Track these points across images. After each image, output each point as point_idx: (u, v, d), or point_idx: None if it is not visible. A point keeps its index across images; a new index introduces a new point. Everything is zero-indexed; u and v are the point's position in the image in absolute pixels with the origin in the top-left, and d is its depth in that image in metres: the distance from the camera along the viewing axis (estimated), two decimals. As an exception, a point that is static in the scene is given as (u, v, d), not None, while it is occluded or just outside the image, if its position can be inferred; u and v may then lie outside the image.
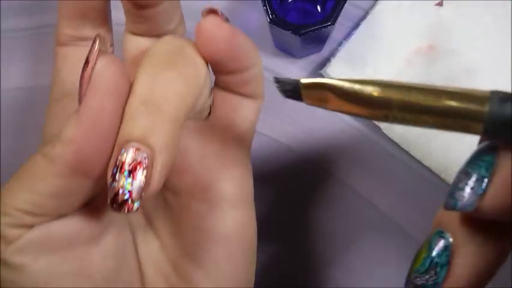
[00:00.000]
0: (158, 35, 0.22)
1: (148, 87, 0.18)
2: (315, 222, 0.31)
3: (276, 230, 0.26)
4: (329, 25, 0.27)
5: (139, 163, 0.17)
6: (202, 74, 0.19)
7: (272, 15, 0.28)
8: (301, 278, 0.31)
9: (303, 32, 0.27)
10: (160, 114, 0.17)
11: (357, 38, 0.32)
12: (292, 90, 0.17)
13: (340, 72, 0.31)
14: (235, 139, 0.22)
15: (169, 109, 0.17)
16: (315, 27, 0.27)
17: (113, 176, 0.17)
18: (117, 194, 0.17)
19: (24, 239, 0.18)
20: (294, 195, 0.31)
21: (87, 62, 0.17)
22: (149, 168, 0.17)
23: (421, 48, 0.31)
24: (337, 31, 0.32)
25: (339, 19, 0.28)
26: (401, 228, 0.30)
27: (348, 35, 0.32)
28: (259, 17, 0.25)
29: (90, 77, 0.17)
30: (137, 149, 0.17)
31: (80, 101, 0.17)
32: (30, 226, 0.18)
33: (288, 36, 0.28)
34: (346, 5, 0.28)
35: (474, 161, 0.15)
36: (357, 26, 0.32)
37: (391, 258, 0.30)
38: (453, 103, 0.14)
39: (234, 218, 0.22)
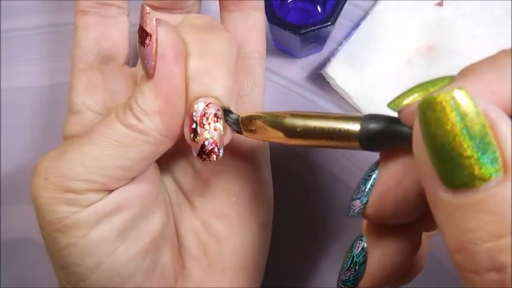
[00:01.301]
0: (176, 10, 0.24)
1: (200, 48, 0.20)
2: (319, 223, 0.31)
3: (278, 231, 0.26)
4: (329, 25, 0.27)
5: (214, 115, 0.19)
6: (232, 36, 0.22)
7: (272, 15, 0.28)
8: (304, 278, 0.31)
9: (303, 32, 0.27)
10: (217, 68, 0.20)
11: (357, 38, 0.32)
12: (236, 124, 0.19)
13: (340, 72, 0.31)
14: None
15: (223, 63, 0.20)
16: (315, 27, 0.27)
17: (193, 131, 0.19)
18: (203, 145, 0.19)
19: (104, 202, 0.19)
20: (298, 197, 0.31)
21: (145, 33, 0.18)
22: (223, 118, 0.19)
23: (421, 48, 0.31)
24: (337, 31, 0.32)
25: (339, 19, 0.28)
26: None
27: (348, 35, 0.32)
28: (259, 17, 0.25)
29: (156, 49, 0.18)
30: (209, 103, 0.19)
31: (149, 73, 0.19)
32: (112, 190, 0.20)
33: (288, 36, 0.28)
34: (346, 5, 0.28)
35: (365, 175, 0.17)
36: (357, 26, 0.32)
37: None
38: (336, 126, 0.17)
39: (261, 177, 0.25)
